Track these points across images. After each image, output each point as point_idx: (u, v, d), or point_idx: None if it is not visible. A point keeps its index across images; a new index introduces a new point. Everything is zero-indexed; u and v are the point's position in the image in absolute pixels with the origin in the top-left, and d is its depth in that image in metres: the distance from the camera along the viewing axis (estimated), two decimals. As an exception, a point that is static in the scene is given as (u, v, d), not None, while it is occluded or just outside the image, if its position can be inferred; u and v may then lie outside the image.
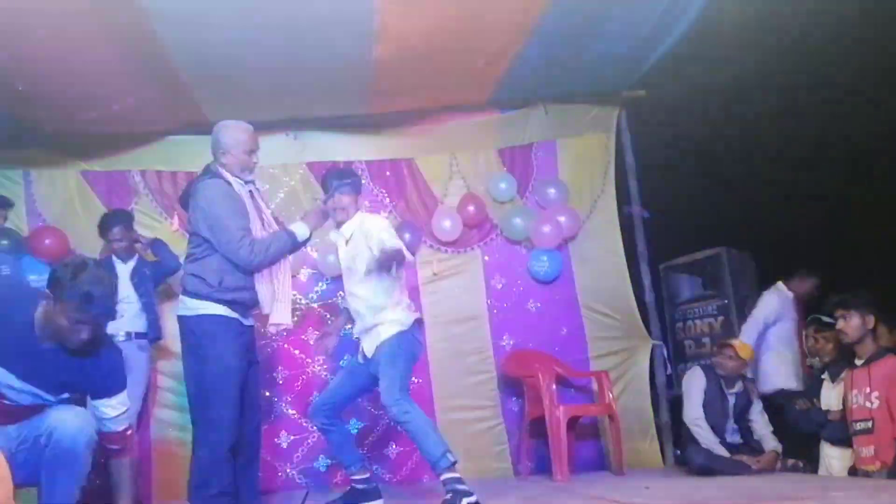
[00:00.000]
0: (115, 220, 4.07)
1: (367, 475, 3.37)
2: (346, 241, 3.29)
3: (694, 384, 4.07)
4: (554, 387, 4.03)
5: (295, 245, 3.12)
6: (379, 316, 3.20)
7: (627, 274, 4.71)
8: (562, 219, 4.62)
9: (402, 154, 4.74)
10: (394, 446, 4.39)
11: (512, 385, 4.48)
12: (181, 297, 3.04)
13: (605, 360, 4.56)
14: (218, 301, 2.94)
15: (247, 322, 3.07)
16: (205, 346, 2.93)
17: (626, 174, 4.85)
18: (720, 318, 5.25)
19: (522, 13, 3.57)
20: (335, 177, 3.34)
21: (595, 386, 4.42)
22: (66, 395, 2.45)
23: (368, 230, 3.20)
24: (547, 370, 4.11)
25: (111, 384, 2.51)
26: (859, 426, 3.42)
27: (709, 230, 5.70)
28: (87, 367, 2.42)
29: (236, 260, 2.94)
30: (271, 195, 4.56)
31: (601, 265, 4.72)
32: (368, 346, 3.25)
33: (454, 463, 2.96)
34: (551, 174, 4.79)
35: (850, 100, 4.70)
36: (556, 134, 4.83)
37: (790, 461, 4.02)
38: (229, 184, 3.02)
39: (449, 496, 2.88)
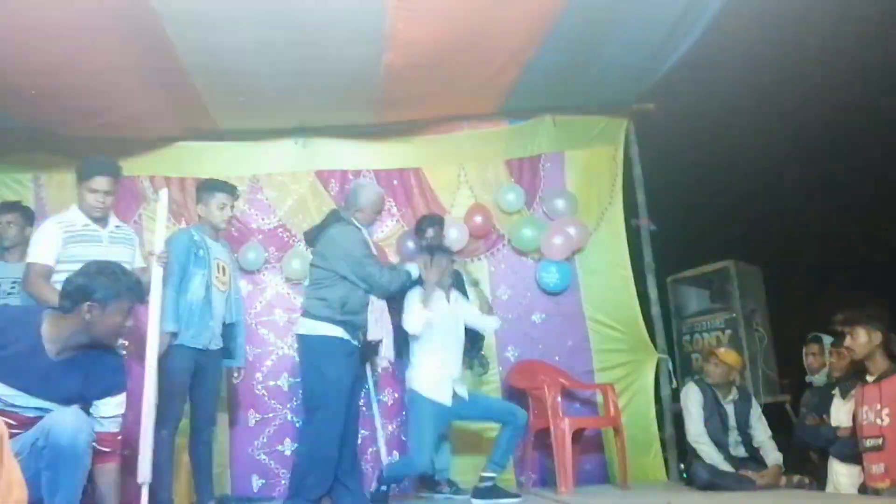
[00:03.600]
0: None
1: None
2: (450, 300, 3.80)
3: (691, 400, 4.06)
4: (559, 399, 4.01)
5: (409, 279, 3.70)
6: None
7: (634, 286, 4.69)
8: (571, 230, 4.61)
9: (410, 163, 4.74)
10: (395, 456, 4.35)
11: (516, 396, 4.45)
12: (301, 318, 3.58)
13: (610, 372, 4.53)
14: (337, 323, 3.46)
15: (355, 342, 3.54)
16: (324, 363, 3.43)
17: (634, 186, 4.83)
18: (728, 332, 5.19)
19: (533, 21, 3.57)
20: (436, 251, 3.75)
21: (600, 398, 4.40)
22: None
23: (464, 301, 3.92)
24: (552, 382, 4.09)
25: (112, 384, 2.54)
26: (869, 443, 3.36)
27: (716, 243, 5.68)
28: (94, 372, 2.45)
29: (377, 288, 3.55)
30: (280, 202, 4.59)
31: (608, 277, 4.70)
32: (462, 388, 3.75)
33: None
34: (559, 186, 4.79)
35: (862, 112, 4.69)
36: (564, 146, 4.83)
37: (796, 478, 3.97)
38: (360, 230, 3.63)
39: None
